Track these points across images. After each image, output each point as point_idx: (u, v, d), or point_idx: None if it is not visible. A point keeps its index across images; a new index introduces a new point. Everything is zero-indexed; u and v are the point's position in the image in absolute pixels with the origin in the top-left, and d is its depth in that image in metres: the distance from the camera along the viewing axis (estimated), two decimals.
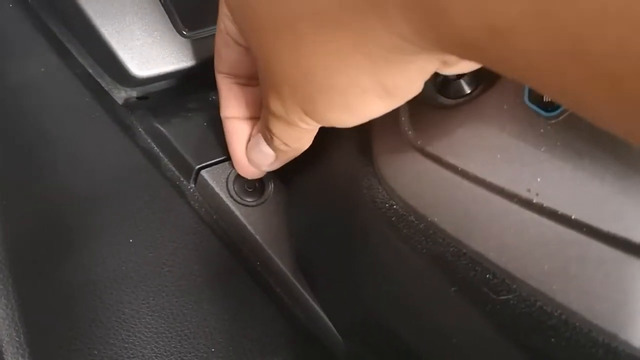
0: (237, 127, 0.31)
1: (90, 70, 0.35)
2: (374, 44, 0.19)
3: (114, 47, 0.33)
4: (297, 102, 0.23)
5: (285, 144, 0.27)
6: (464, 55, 0.17)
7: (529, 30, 0.14)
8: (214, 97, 0.37)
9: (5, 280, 0.28)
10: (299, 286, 0.33)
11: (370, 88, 0.21)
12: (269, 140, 0.28)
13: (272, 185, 0.35)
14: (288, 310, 0.33)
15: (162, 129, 0.34)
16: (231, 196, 0.34)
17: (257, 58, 0.24)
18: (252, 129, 0.30)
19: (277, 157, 0.29)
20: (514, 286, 0.22)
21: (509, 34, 0.14)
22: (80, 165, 0.32)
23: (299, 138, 0.27)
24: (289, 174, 0.35)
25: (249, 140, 0.31)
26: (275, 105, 0.24)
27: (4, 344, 0.27)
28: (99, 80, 0.36)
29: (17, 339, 0.27)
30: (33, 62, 0.33)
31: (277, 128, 0.26)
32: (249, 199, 0.34)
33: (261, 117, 0.28)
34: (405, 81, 0.21)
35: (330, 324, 0.33)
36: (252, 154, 0.30)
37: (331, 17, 0.19)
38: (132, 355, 0.28)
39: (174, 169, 0.34)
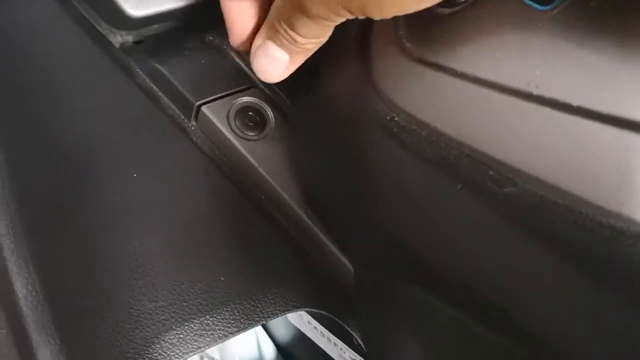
0: (241, 8, 0.28)
1: (86, 15, 0.35)
2: None
3: None
4: (344, 2, 0.22)
5: (311, 42, 0.26)
6: None
7: None
8: (210, 38, 0.37)
9: (14, 227, 0.29)
10: (305, 217, 0.33)
11: None
12: (287, 43, 0.26)
13: (274, 117, 0.35)
14: (295, 242, 0.33)
15: (160, 68, 0.34)
16: (233, 131, 0.34)
17: None
18: (256, 9, 0.28)
19: (292, 61, 0.27)
20: (518, 179, 0.22)
21: None
22: (81, 108, 0.32)
23: (325, 32, 0.25)
24: (288, 104, 0.35)
25: (256, 26, 0.29)
26: (314, 5, 0.23)
27: (16, 286, 0.28)
28: (95, 25, 0.35)
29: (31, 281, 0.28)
30: (29, 6, 0.33)
31: (306, 27, 0.25)
32: (250, 133, 0.34)
33: (275, 20, 0.26)
34: None
35: (338, 253, 0.33)
36: (261, 63, 0.28)
37: None
38: (142, 285, 0.28)
39: (174, 106, 0.34)
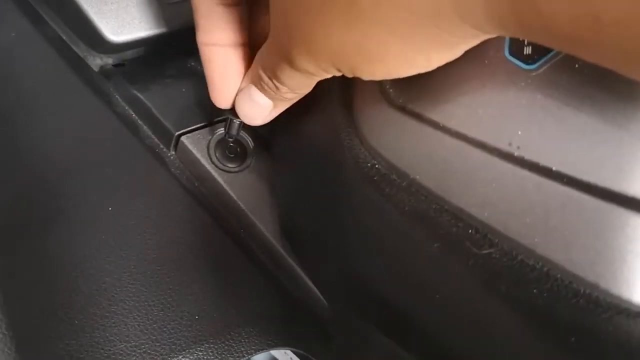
0: (221, 56, 0.27)
1: (64, 37, 0.34)
2: (439, 28, 0.18)
3: (88, 12, 0.32)
4: (335, 63, 0.22)
5: (293, 92, 0.25)
6: (544, 42, 0.17)
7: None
8: (192, 64, 0.37)
9: None
10: (283, 252, 0.33)
11: (418, 62, 0.21)
12: (269, 90, 0.26)
13: (254, 149, 0.35)
14: (272, 276, 0.33)
15: (139, 95, 0.34)
16: (213, 162, 0.33)
17: (279, 9, 0.22)
18: (237, 58, 0.28)
19: (275, 107, 0.27)
20: (496, 240, 0.22)
21: (617, 26, 0.14)
22: (56, 134, 0.31)
23: (310, 84, 0.25)
24: (270, 139, 0.34)
25: (242, 75, 0.28)
26: (302, 61, 0.22)
27: None
28: (73, 47, 0.35)
29: None
30: (3, 28, 0.32)
31: (290, 79, 0.24)
32: (230, 165, 0.34)
33: (259, 67, 0.26)
34: (452, 56, 0.21)
35: (315, 288, 0.33)
36: (244, 107, 0.28)
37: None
38: (113, 324, 0.28)
39: (153, 136, 0.34)
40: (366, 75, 0.22)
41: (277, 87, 0.25)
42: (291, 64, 0.23)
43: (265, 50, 0.25)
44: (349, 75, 0.23)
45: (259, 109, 0.27)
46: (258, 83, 0.26)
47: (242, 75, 0.28)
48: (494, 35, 0.19)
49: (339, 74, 0.23)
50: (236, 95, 0.28)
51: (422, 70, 0.22)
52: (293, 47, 0.22)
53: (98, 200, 0.30)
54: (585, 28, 0.14)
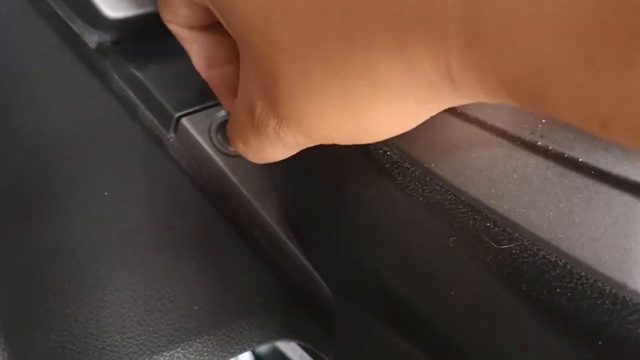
0: (222, 77, 0.27)
1: (60, 12, 0.33)
2: (438, 101, 0.18)
3: None
4: (329, 139, 0.21)
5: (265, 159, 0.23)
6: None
7: None
8: None
9: None
10: (286, 239, 0.32)
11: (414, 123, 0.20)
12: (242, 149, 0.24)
13: None
14: (275, 264, 0.32)
15: (138, 74, 0.32)
16: (214, 145, 0.32)
17: (249, 59, 0.20)
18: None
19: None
20: (516, 235, 0.20)
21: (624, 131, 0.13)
22: (51, 114, 0.30)
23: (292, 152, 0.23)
24: None
25: None
26: (288, 137, 0.21)
27: None
28: (69, 23, 0.33)
29: None
30: None
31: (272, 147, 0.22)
32: (232, 148, 0.32)
33: (237, 120, 0.23)
34: (423, 119, 0.20)
35: (319, 278, 0.32)
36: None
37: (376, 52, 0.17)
38: (108, 315, 0.27)
39: (152, 117, 0.32)
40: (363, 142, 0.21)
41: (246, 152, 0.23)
42: (275, 137, 0.21)
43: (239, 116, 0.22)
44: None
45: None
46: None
47: None
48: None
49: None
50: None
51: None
52: (280, 123, 0.20)
53: (93, 185, 0.29)
54: (591, 128, 0.14)
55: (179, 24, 0.26)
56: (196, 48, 0.26)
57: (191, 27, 0.26)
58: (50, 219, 0.28)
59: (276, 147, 0.22)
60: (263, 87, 0.20)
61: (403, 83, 0.18)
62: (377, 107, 0.19)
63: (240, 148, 0.23)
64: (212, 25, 0.26)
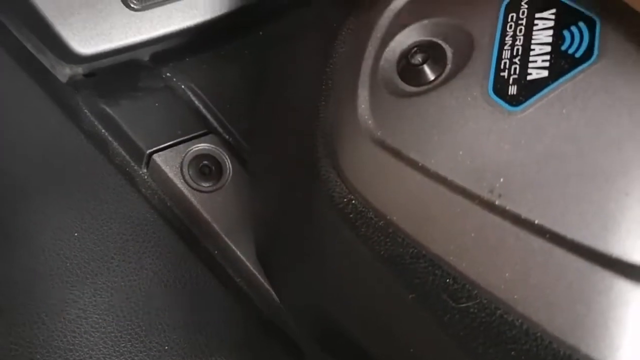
0: None
1: (28, 46, 0.33)
2: None
3: (52, 23, 0.30)
4: None
5: None
6: None
7: None
8: (168, 74, 0.35)
9: None
10: (259, 276, 0.32)
11: None
12: None
13: (231, 166, 0.33)
14: (248, 302, 0.32)
15: (109, 110, 0.32)
16: (186, 181, 0.32)
17: None
18: None
19: None
20: (475, 292, 0.21)
21: None
22: (19, 152, 0.30)
23: None
24: (247, 158, 0.33)
25: None
26: None
27: None
28: (39, 57, 0.33)
29: None
30: None
31: None
32: (205, 184, 0.32)
33: None
34: None
35: (292, 317, 0.32)
36: None
37: None
38: (78, 358, 0.27)
39: (123, 153, 0.32)
40: None
41: None
42: None
43: None
44: None
45: None
46: None
47: None
48: None
49: None
50: None
51: None
52: None
53: (62, 225, 0.29)
54: None
55: None
56: None
57: None
58: (17, 259, 0.28)
59: None
60: None
61: None
62: None
63: None
64: None
